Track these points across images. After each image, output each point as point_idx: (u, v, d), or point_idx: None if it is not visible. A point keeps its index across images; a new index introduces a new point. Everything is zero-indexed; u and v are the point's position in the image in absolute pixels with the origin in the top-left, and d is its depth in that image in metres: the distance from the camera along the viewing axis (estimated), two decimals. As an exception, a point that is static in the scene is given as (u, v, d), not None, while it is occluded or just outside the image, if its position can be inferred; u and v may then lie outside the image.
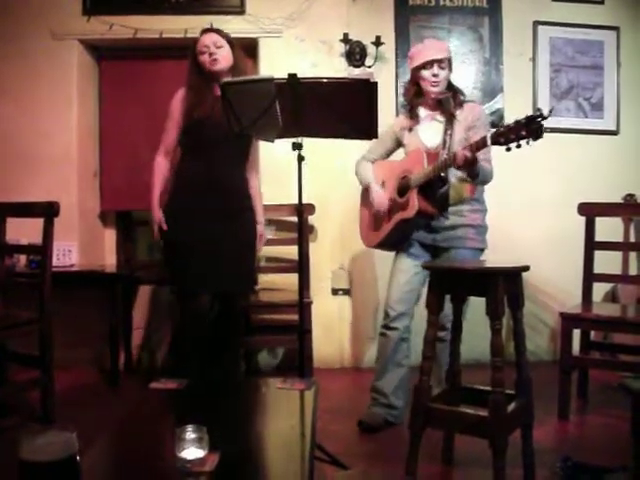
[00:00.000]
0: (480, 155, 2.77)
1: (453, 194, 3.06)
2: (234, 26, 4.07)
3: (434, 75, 3.05)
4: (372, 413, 3.14)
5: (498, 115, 4.37)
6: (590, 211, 3.51)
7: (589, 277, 3.50)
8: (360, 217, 3.38)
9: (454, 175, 3.03)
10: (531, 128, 2.43)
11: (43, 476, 1.14)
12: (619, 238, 3.88)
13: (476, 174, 2.85)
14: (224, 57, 3.07)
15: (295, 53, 4.29)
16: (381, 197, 3.16)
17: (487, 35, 4.41)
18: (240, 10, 4.27)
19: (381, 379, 3.17)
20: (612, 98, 4.52)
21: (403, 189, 3.05)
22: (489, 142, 2.58)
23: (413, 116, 3.19)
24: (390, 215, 3.14)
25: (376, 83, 2.51)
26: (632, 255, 3.96)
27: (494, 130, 2.56)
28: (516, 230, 4.34)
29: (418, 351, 2.54)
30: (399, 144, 3.27)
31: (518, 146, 2.47)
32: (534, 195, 4.39)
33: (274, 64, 4.21)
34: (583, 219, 3.52)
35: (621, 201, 4.21)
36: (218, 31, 3.13)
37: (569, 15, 4.46)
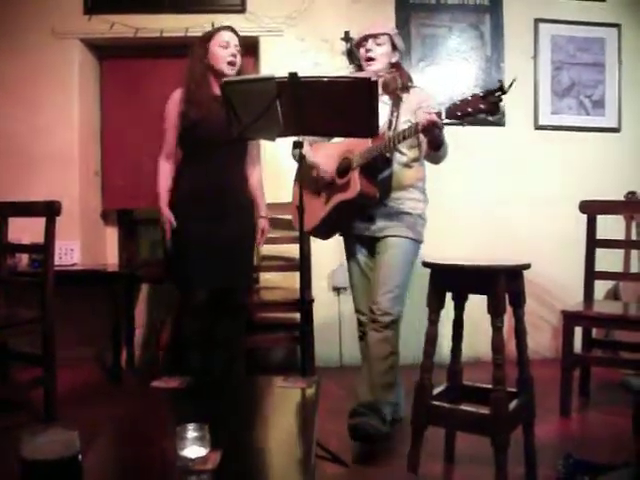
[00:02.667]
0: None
1: (394, 180, 2.93)
2: (234, 25, 4.02)
3: (367, 51, 2.98)
4: (365, 422, 3.03)
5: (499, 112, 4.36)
6: (592, 209, 3.50)
7: (591, 275, 3.50)
8: (293, 201, 3.16)
9: (397, 161, 2.92)
10: (489, 102, 2.35)
11: (45, 475, 1.14)
12: (621, 236, 3.88)
13: (441, 143, 2.74)
14: (238, 64, 3.08)
15: (296, 52, 4.29)
16: (326, 163, 2.99)
17: (488, 33, 4.41)
18: (241, 9, 4.28)
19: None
20: (613, 95, 4.52)
21: (343, 170, 2.92)
22: (444, 116, 2.50)
23: None
24: (328, 197, 3.00)
25: (377, 82, 2.51)
26: (634, 253, 3.96)
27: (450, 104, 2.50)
28: (517, 228, 4.34)
29: (413, 348, 2.52)
30: None
31: (472, 122, 2.44)
32: (536, 193, 4.39)
33: (275, 63, 4.21)
34: (585, 217, 3.51)
35: (623, 199, 4.20)
36: (237, 34, 3.14)
37: (570, 12, 4.45)
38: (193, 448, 1.43)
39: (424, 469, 2.47)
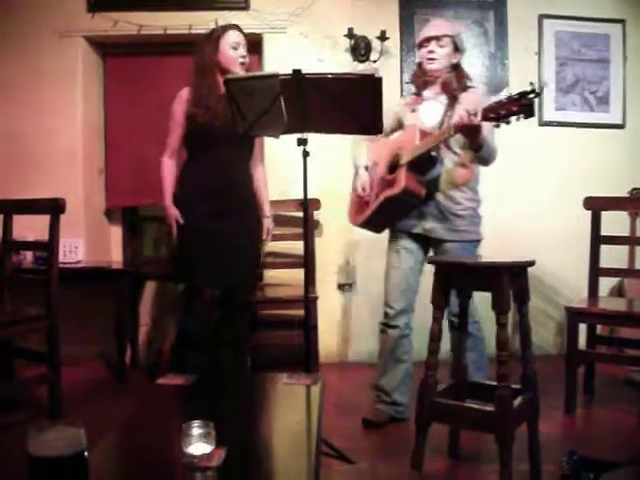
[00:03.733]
0: (484, 132, 2.72)
1: (446, 178, 2.98)
2: (238, 22, 4.01)
3: (429, 52, 3.02)
4: (376, 410, 3.14)
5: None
6: (596, 205, 3.49)
7: (595, 271, 3.49)
8: (351, 195, 3.29)
9: (450, 159, 2.98)
10: (522, 104, 2.39)
11: (52, 471, 1.14)
12: (625, 232, 3.87)
13: (480, 145, 2.76)
14: (248, 63, 3.09)
15: (299, 49, 4.29)
16: (361, 181, 3.13)
17: (492, 29, 4.39)
18: (244, 6, 4.27)
19: (384, 377, 3.17)
20: (618, 92, 4.50)
21: (393, 167, 2.99)
22: (479, 117, 2.54)
23: (417, 96, 3.16)
24: (378, 193, 3.06)
25: (381, 78, 2.50)
26: (638, 249, 3.95)
27: (484, 106, 2.55)
28: (521, 224, 4.33)
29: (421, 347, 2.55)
30: (400, 124, 3.18)
31: (507, 122, 2.46)
32: (540, 189, 4.38)
33: (278, 60, 4.20)
34: (589, 213, 3.51)
35: (627, 195, 4.19)
36: (244, 32, 3.14)
37: (575, 8, 4.44)
38: (198, 445, 1.43)
39: (428, 466, 2.47)
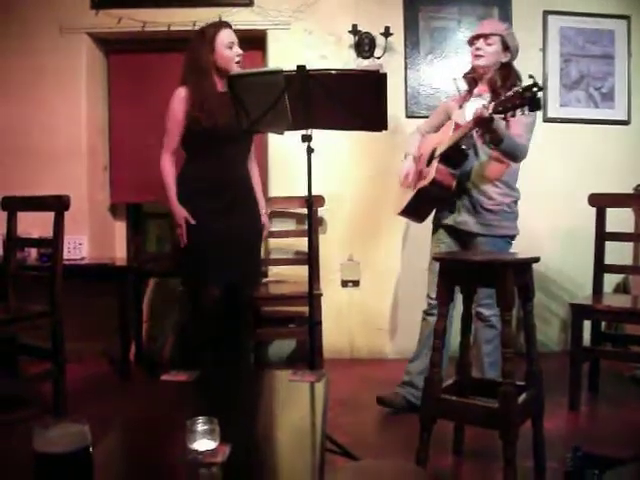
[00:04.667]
0: (511, 129, 2.88)
1: (478, 171, 3.06)
2: (242, 18, 4.07)
3: (476, 49, 3.10)
4: (395, 392, 3.24)
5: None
6: (601, 202, 3.49)
7: (600, 268, 3.49)
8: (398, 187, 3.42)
9: (486, 153, 3.04)
10: (524, 97, 2.45)
11: (56, 468, 1.15)
12: (630, 229, 3.86)
13: (499, 139, 2.82)
14: (241, 60, 3.08)
15: (304, 45, 4.28)
16: (404, 168, 3.27)
17: (497, 25, 4.37)
18: (248, 2, 4.26)
19: (415, 361, 3.25)
20: (623, 88, 4.48)
21: (431, 159, 3.10)
22: (490, 109, 2.62)
23: (467, 92, 3.26)
24: (415, 184, 3.20)
25: (385, 74, 2.50)
26: (643, 246, 3.94)
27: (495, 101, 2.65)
28: (526, 221, 4.30)
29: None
30: (449, 119, 3.25)
31: (513, 115, 2.54)
32: (545, 186, 4.37)
33: (282, 56, 4.20)
34: (594, 210, 3.50)
35: (632, 192, 4.18)
36: (234, 31, 3.13)
37: (579, 4, 4.42)
38: (203, 441, 1.44)
39: (433, 462, 2.46)
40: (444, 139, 3.01)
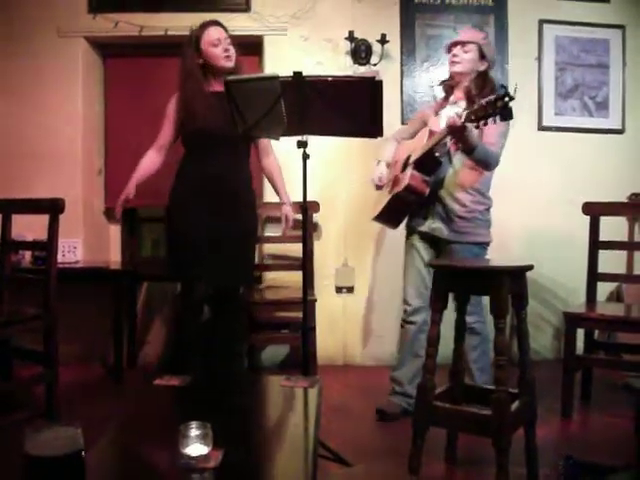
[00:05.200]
0: (485, 138, 2.91)
1: (452, 179, 3.08)
2: (239, 24, 4.08)
3: (454, 55, 3.14)
4: (389, 402, 3.25)
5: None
6: (595, 210, 3.50)
7: (593, 276, 3.50)
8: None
9: (459, 160, 3.06)
10: (496, 106, 2.47)
11: (49, 471, 1.14)
12: (624, 237, 3.87)
13: (471, 148, 2.85)
14: (234, 55, 3.08)
15: (300, 51, 4.29)
16: (376, 172, 3.28)
17: (492, 34, 4.39)
18: (245, 8, 4.27)
19: (400, 369, 3.27)
20: (617, 97, 4.51)
21: (405, 165, 3.13)
22: (463, 118, 2.63)
23: (443, 100, 3.29)
24: (390, 190, 3.23)
25: (381, 81, 2.51)
26: (637, 255, 3.95)
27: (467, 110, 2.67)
28: (520, 229, 4.34)
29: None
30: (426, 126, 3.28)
31: (485, 123, 2.55)
32: (539, 194, 4.39)
33: (279, 62, 4.21)
34: (588, 218, 3.51)
35: (626, 200, 4.20)
36: (224, 27, 3.14)
37: (575, 14, 4.45)
38: (196, 446, 1.44)
39: (425, 469, 2.47)
40: (418, 146, 3.05)
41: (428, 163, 3.00)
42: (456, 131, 2.75)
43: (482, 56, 3.14)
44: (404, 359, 3.26)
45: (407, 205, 3.14)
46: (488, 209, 3.18)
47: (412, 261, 3.25)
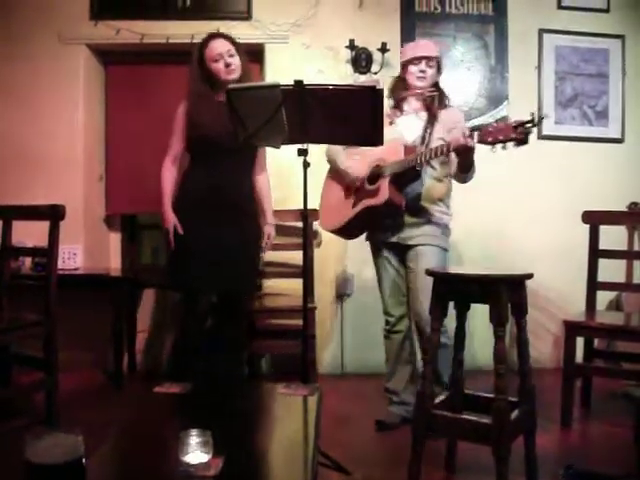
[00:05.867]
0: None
1: (425, 193, 3.07)
2: (240, 32, 4.08)
3: (421, 71, 3.13)
4: (389, 412, 3.24)
5: (503, 122, 4.37)
6: (594, 219, 3.50)
7: (593, 285, 3.50)
8: (322, 198, 3.36)
9: (429, 175, 3.07)
10: (520, 132, 2.43)
11: (49, 478, 1.15)
12: (623, 246, 3.88)
13: (470, 165, 2.89)
14: (237, 66, 3.08)
15: (301, 59, 4.31)
16: (354, 169, 3.15)
17: (493, 43, 4.42)
18: (246, 16, 4.29)
19: (392, 379, 3.28)
20: (617, 106, 4.53)
21: (374, 177, 3.07)
22: (476, 139, 2.60)
23: (396, 109, 3.23)
24: (356, 201, 3.14)
25: (382, 90, 2.52)
26: (636, 263, 3.95)
27: (480, 127, 2.60)
28: (520, 238, 4.35)
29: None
30: None
31: (503, 147, 2.50)
32: (538, 203, 4.40)
33: (280, 70, 4.22)
34: (587, 227, 3.52)
35: (625, 209, 4.21)
36: (227, 37, 3.14)
37: (574, 23, 4.47)
38: (196, 454, 1.44)
39: (425, 478, 2.46)
40: (389, 157, 3.00)
41: (408, 177, 2.99)
42: (466, 151, 2.73)
43: (438, 69, 3.19)
44: (394, 368, 3.28)
45: (380, 218, 3.11)
46: (450, 220, 3.20)
47: (386, 273, 3.25)
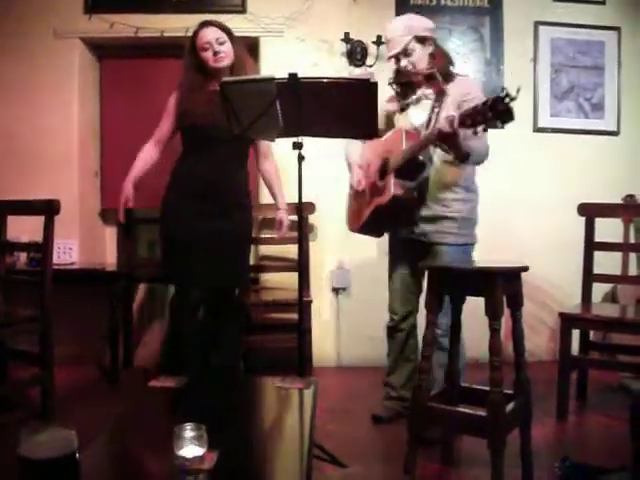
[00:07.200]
0: (469, 132, 2.42)
1: (435, 178, 2.91)
2: (235, 25, 4.02)
3: (404, 66, 2.97)
4: (385, 406, 3.24)
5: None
6: (590, 211, 3.51)
7: (589, 277, 3.51)
8: (348, 201, 3.28)
9: (439, 158, 2.89)
10: (498, 110, 2.23)
11: (43, 473, 1.14)
12: (619, 239, 3.88)
13: (463, 154, 2.65)
14: (227, 53, 3.06)
15: (296, 52, 4.30)
16: (360, 176, 3.04)
17: (488, 35, 4.41)
18: (241, 9, 4.28)
19: (393, 374, 3.26)
20: (613, 99, 4.52)
21: (383, 171, 2.93)
22: (456, 124, 2.40)
23: (402, 96, 3.09)
24: (370, 200, 3.02)
25: (377, 83, 2.50)
26: (632, 256, 3.96)
27: (460, 112, 2.43)
28: (516, 230, 4.35)
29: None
30: (391, 125, 3.13)
31: (485, 129, 2.31)
32: (534, 195, 4.40)
33: (275, 63, 4.21)
34: (583, 219, 3.52)
35: (621, 202, 4.21)
36: (219, 25, 3.11)
37: (570, 15, 4.46)
38: (190, 448, 1.44)
39: (421, 471, 2.47)
40: (394, 149, 2.85)
41: (412, 169, 2.80)
42: (447, 138, 2.52)
43: (421, 41, 2.95)
44: (396, 364, 3.24)
45: (393, 215, 2.96)
46: (474, 207, 3.04)
47: (396, 271, 3.17)
